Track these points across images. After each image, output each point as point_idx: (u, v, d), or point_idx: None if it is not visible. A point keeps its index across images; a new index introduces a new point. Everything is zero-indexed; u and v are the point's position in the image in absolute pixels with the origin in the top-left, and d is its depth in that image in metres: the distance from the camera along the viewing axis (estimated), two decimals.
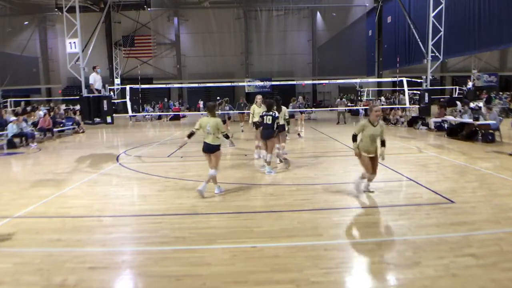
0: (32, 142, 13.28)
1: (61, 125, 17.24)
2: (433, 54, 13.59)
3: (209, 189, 6.21)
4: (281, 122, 8.29)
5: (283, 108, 8.52)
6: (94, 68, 12.45)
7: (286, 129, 8.66)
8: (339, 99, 21.94)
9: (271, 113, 7.67)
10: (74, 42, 12.53)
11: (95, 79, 12.22)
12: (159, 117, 27.82)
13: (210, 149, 6.11)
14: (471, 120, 11.80)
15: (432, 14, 13.46)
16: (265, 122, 7.67)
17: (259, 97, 9.64)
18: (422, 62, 14.24)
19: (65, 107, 23.43)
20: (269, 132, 7.64)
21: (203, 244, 4.26)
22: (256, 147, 9.58)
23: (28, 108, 21.22)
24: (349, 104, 25.20)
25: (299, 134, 14.41)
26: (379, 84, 27.59)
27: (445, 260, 3.68)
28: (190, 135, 6.20)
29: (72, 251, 4.17)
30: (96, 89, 12.16)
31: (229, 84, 25.37)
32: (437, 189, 6.21)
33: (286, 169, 8.17)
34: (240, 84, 31.05)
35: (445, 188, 6.30)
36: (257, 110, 9.32)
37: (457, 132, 12.55)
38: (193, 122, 18.41)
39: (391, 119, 18.37)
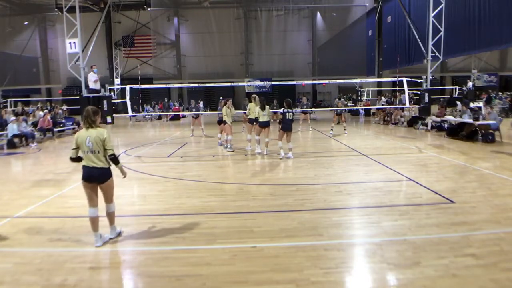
0: (32, 142, 13.28)
1: (61, 125, 17.25)
2: (433, 54, 13.58)
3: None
4: (266, 118, 9.80)
5: (267, 106, 9.93)
6: (91, 67, 12.47)
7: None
8: (337, 99, 21.95)
9: (291, 110, 9.23)
10: (74, 42, 12.54)
11: (93, 78, 12.25)
12: (159, 117, 27.83)
13: (96, 176, 4.19)
14: (471, 120, 11.80)
15: (432, 14, 13.44)
16: (287, 118, 9.20)
17: (230, 100, 11.11)
18: (422, 62, 14.22)
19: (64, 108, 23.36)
20: (291, 126, 9.32)
21: (203, 244, 4.26)
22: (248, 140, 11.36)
23: (27, 109, 21.19)
24: (349, 104, 25.17)
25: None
26: (379, 84, 27.56)
27: (445, 260, 3.68)
28: (74, 159, 4.33)
29: (72, 251, 4.17)
30: (94, 89, 12.17)
31: (229, 84, 25.33)
32: (437, 189, 6.21)
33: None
34: (240, 84, 31.03)
35: (445, 188, 6.30)
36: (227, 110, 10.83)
37: (457, 132, 12.55)
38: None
39: (392, 119, 18.32)
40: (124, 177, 4.50)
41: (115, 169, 4.40)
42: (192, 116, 15.55)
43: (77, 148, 4.25)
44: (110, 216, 4.47)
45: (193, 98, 19.96)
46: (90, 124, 4.20)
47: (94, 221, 4.29)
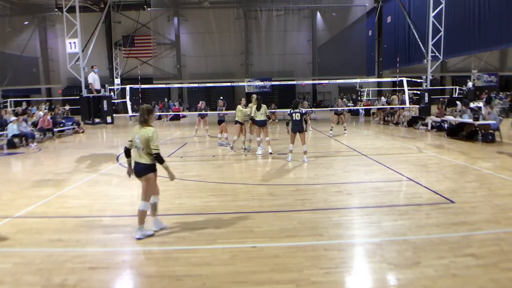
0: (32, 142, 13.28)
1: (61, 125, 17.25)
2: (433, 54, 13.57)
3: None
4: (263, 118, 9.87)
5: (263, 106, 9.96)
6: (92, 67, 12.45)
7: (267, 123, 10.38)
8: (339, 99, 22.02)
9: (298, 110, 8.80)
10: (74, 42, 12.52)
11: (94, 79, 12.22)
12: (159, 117, 27.81)
13: (138, 171, 4.43)
14: (471, 120, 11.80)
15: (432, 14, 13.44)
16: (294, 118, 8.79)
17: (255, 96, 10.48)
18: (422, 62, 14.22)
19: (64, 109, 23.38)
20: (300, 127, 8.83)
21: (203, 244, 4.26)
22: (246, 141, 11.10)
23: (30, 108, 21.24)
24: (349, 104, 25.16)
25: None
26: (379, 84, 27.57)
27: (445, 260, 3.68)
28: (127, 153, 4.60)
29: (72, 251, 4.17)
30: (96, 89, 12.16)
31: (229, 84, 25.29)
32: (437, 189, 6.21)
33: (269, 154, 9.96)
34: (240, 84, 31.00)
35: (445, 188, 6.30)
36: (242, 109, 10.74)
37: (457, 132, 12.55)
38: (193, 122, 18.42)
39: (395, 118, 18.21)
40: (172, 179, 4.57)
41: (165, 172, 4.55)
42: (200, 117, 15.26)
43: (131, 141, 4.50)
44: (139, 214, 4.44)
45: (193, 98, 19.92)
46: (142, 122, 4.42)
47: (152, 207, 4.57)
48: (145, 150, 4.35)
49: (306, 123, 9.05)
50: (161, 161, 4.37)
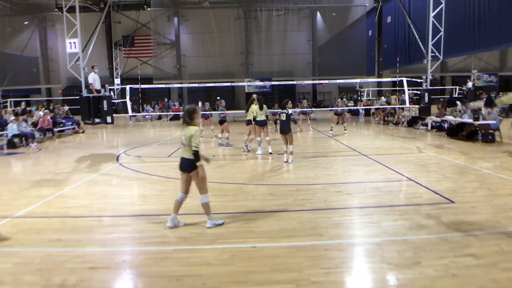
0: (32, 142, 13.28)
1: (61, 125, 17.25)
2: (433, 54, 13.59)
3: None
4: (263, 117, 9.99)
5: (264, 106, 10.04)
6: (92, 67, 12.45)
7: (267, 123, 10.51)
8: (339, 99, 21.99)
9: (285, 110, 8.74)
10: (74, 42, 12.53)
11: (94, 79, 12.22)
12: (159, 117, 27.82)
13: (184, 166, 4.74)
14: (471, 120, 11.80)
15: (432, 14, 13.45)
16: (281, 118, 8.81)
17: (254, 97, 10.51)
18: (422, 62, 14.23)
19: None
20: (286, 127, 8.74)
21: (203, 244, 4.26)
22: (246, 140, 10.97)
23: (30, 108, 21.24)
24: (349, 104, 25.15)
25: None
26: (379, 84, 27.56)
27: (445, 260, 3.68)
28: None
29: (72, 251, 4.16)
30: (96, 90, 12.16)
31: (229, 84, 25.28)
32: (437, 189, 6.21)
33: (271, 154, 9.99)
34: (240, 84, 31.00)
35: (445, 188, 6.30)
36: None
37: (457, 132, 12.55)
38: None
39: (395, 118, 18.18)
40: (197, 177, 4.69)
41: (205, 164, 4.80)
42: (204, 117, 15.18)
43: None
44: (203, 207, 4.78)
45: (193, 98, 19.85)
46: (184, 122, 4.77)
47: (176, 204, 4.83)
48: (188, 147, 4.67)
49: (295, 123, 8.98)
50: (197, 158, 4.61)
